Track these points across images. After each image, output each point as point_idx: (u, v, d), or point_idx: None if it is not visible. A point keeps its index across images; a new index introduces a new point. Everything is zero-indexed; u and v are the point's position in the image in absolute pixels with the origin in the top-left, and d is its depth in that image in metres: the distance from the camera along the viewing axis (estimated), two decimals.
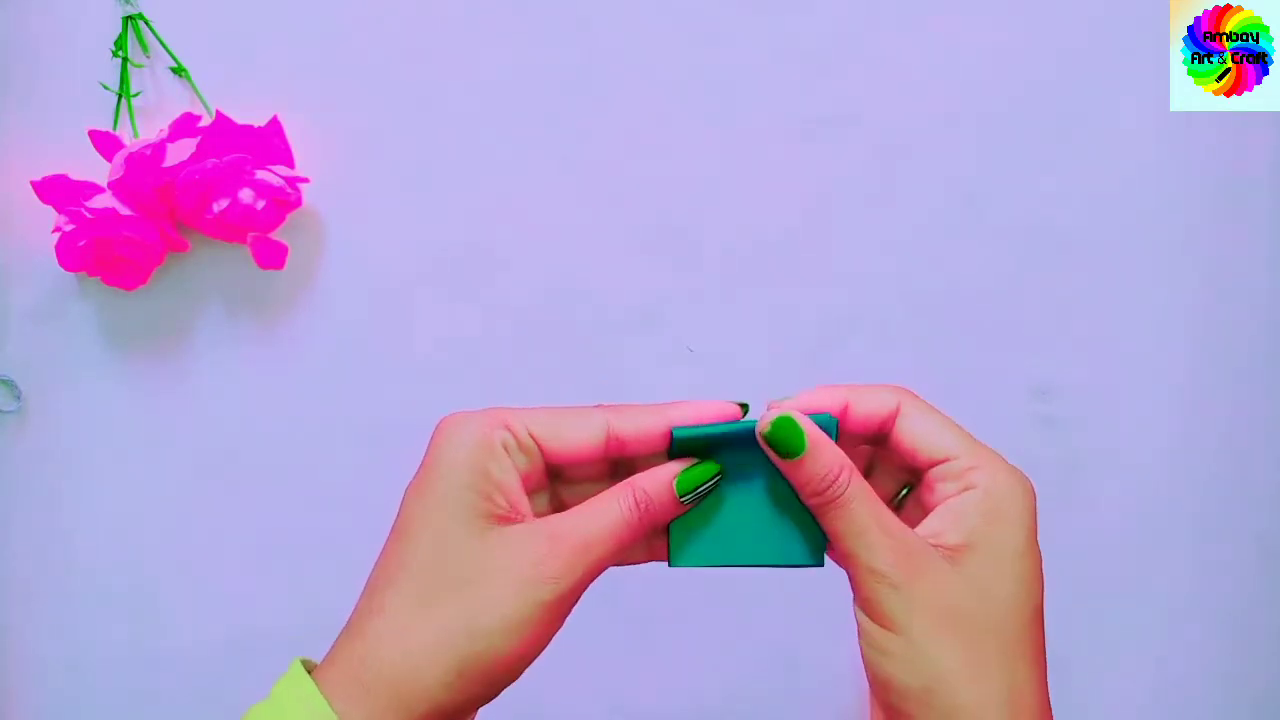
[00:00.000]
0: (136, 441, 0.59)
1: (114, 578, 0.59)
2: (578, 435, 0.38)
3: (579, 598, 0.37)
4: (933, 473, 0.38)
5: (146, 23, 0.58)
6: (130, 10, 0.57)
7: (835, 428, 0.39)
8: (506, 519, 0.37)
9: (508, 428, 0.38)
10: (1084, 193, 0.59)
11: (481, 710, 0.38)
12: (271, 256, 0.58)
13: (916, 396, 0.40)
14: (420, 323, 0.59)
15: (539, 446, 0.38)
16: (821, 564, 0.40)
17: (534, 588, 0.36)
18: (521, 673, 0.37)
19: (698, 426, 0.39)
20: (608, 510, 0.37)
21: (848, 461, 0.37)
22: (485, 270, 0.59)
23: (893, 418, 0.40)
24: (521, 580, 0.36)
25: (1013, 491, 0.38)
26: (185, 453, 0.59)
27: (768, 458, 0.38)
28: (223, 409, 0.59)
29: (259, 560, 0.59)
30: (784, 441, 0.37)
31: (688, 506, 0.39)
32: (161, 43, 0.58)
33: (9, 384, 0.59)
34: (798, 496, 0.38)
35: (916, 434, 0.39)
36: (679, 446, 0.39)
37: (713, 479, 0.39)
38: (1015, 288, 0.59)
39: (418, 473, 0.38)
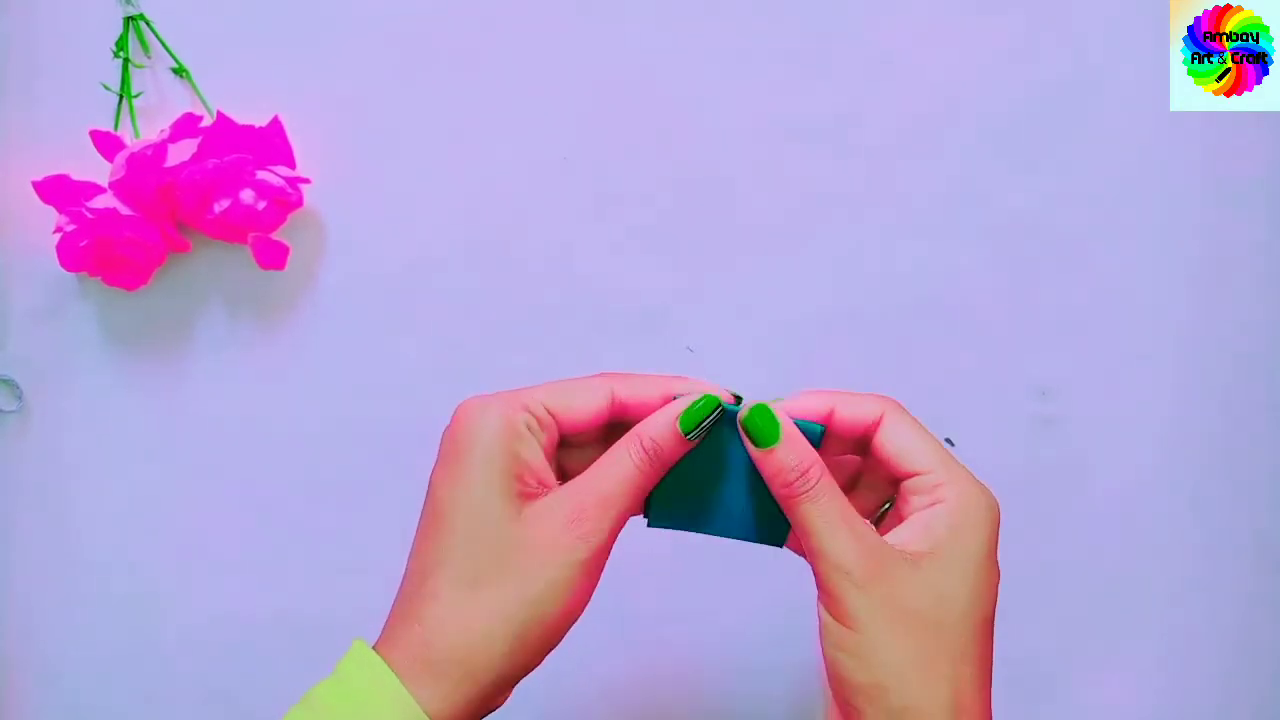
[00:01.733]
0: (137, 441, 0.59)
1: (115, 577, 0.59)
2: (586, 405, 0.41)
3: (610, 550, 0.40)
4: (906, 484, 0.40)
5: (148, 23, 0.58)
6: (131, 11, 0.57)
7: (820, 437, 0.41)
8: (535, 495, 0.39)
9: (527, 409, 0.40)
10: (1084, 193, 0.59)
11: None
12: (272, 257, 0.58)
13: (901, 408, 0.42)
14: (421, 323, 0.59)
15: (555, 420, 0.40)
16: (781, 545, 0.43)
17: (571, 550, 0.38)
18: (569, 629, 0.39)
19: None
20: (621, 463, 0.40)
21: (819, 459, 0.40)
22: (485, 270, 0.59)
23: (875, 426, 0.41)
24: (558, 546, 0.38)
25: (978, 507, 0.39)
26: (186, 453, 0.59)
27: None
28: (223, 409, 0.59)
29: (259, 560, 0.59)
30: (759, 429, 0.40)
31: (694, 443, 0.41)
32: (162, 43, 0.58)
33: (9, 384, 0.59)
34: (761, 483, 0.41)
35: (896, 445, 0.41)
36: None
37: (715, 412, 0.40)
38: (1015, 288, 0.59)
39: (443, 459, 0.40)
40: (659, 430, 0.40)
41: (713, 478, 0.42)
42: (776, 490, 0.40)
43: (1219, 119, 0.58)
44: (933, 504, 0.39)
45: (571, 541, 0.38)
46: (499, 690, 0.39)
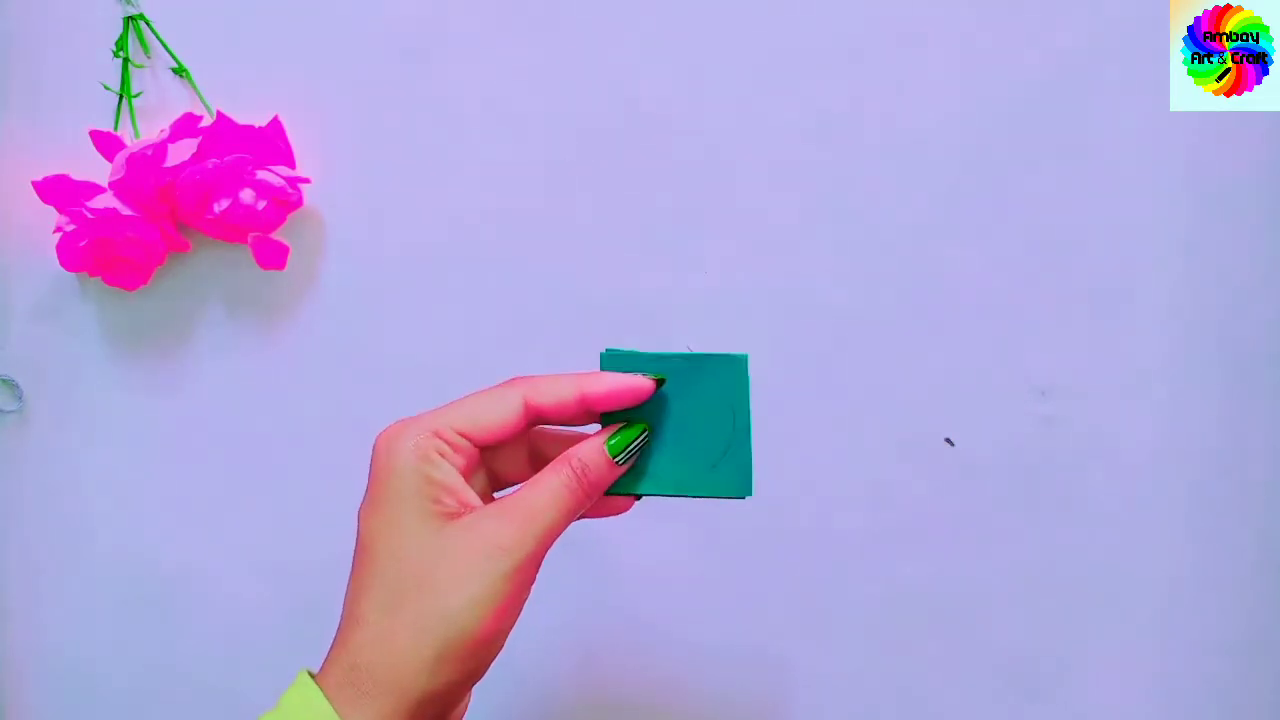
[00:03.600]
0: (137, 441, 0.59)
1: (115, 577, 0.59)
2: (499, 417, 0.41)
3: (539, 565, 0.40)
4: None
5: (147, 23, 0.58)
6: (131, 11, 0.57)
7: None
8: (457, 514, 0.40)
9: (437, 434, 0.41)
10: (1084, 193, 0.59)
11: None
12: (272, 257, 0.58)
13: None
14: (421, 322, 0.59)
15: (469, 439, 0.41)
16: (749, 495, 0.43)
17: (492, 561, 0.39)
18: (501, 646, 0.40)
19: (628, 354, 0.43)
20: (551, 482, 0.41)
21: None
22: (485, 270, 0.59)
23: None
24: (479, 556, 0.39)
25: None
26: (186, 452, 0.59)
27: (699, 396, 0.43)
28: (224, 409, 0.59)
29: (260, 559, 0.59)
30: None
31: (624, 468, 0.42)
32: (162, 43, 0.58)
33: (10, 384, 0.59)
34: (725, 433, 0.43)
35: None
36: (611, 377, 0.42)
37: (640, 437, 0.42)
38: (1015, 287, 0.59)
39: (367, 491, 0.41)
40: (590, 454, 0.41)
41: (673, 440, 0.43)
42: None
43: (1219, 119, 0.58)
44: None
45: (493, 551, 0.39)
46: (434, 708, 0.39)
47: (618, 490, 0.43)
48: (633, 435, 0.42)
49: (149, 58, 0.58)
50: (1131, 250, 0.59)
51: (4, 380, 0.59)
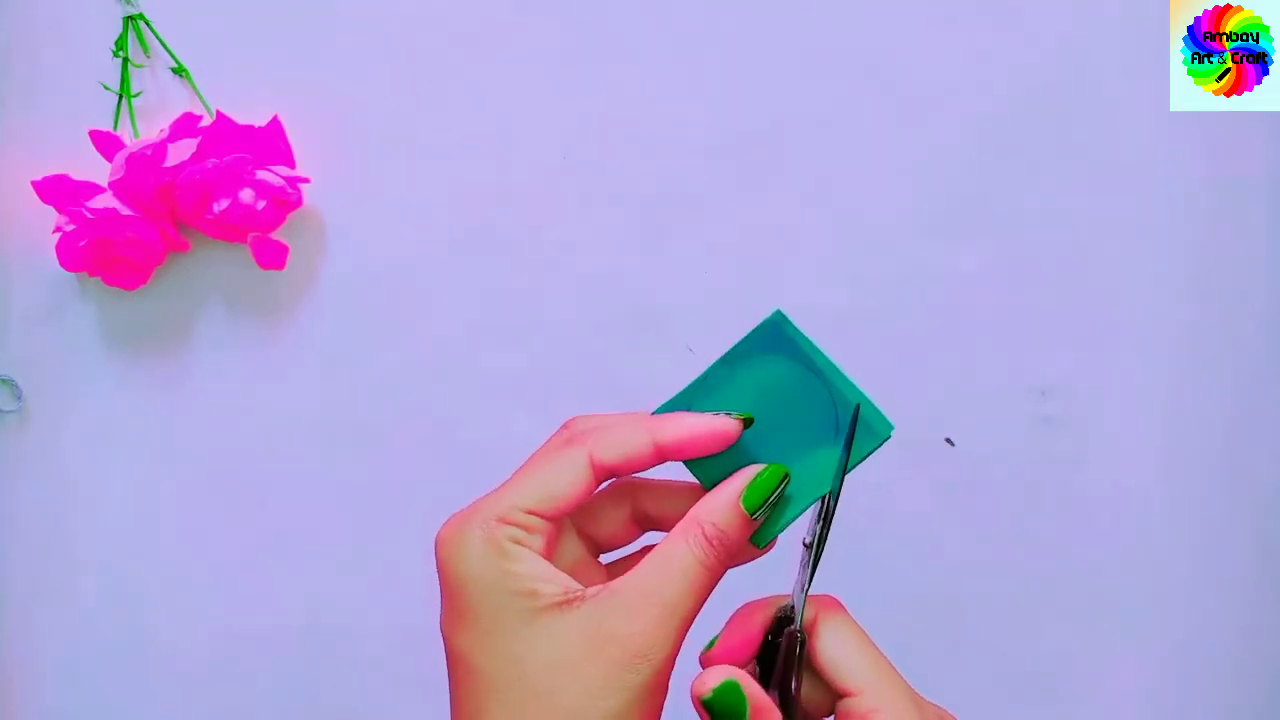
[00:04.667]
0: (137, 441, 0.59)
1: (114, 577, 0.59)
2: (566, 487, 0.35)
3: (674, 663, 0.34)
4: (841, 704, 0.36)
5: (147, 23, 0.58)
6: (131, 10, 0.57)
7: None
8: (565, 603, 0.34)
9: (504, 521, 0.34)
10: (1084, 193, 0.59)
11: None
12: (272, 256, 0.58)
13: (838, 611, 0.38)
14: (421, 322, 0.59)
15: (539, 516, 0.35)
16: (892, 430, 0.37)
17: (626, 671, 0.33)
18: None
19: (678, 399, 0.37)
20: (680, 559, 0.34)
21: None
22: (485, 270, 0.59)
23: (809, 629, 0.37)
24: (611, 666, 0.33)
25: None
26: (186, 452, 0.59)
27: (767, 382, 0.37)
28: (223, 409, 0.59)
29: (259, 559, 0.59)
30: (728, 710, 0.35)
31: (761, 521, 0.36)
32: (162, 43, 0.58)
33: (9, 384, 0.59)
34: (819, 396, 0.37)
35: (828, 657, 0.36)
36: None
37: (781, 483, 0.36)
38: (1015, 288, 0.59)
39: (445, 602, 0.35)
40: (722, 515, 0.35)
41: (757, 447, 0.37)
42: None
43: (1219, 119, 0.58)
44: None
45: (626, 660, 0.33)
46: None
47: (759, 539, 0.37)
48: (771, 484, 0.36)
49: (149, 57, 0.58)
50: (1131, 250, 0.59)
51: (4, 380, 0.59)
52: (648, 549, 0.39)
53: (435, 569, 0.35)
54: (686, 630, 0.34)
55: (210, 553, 0.59)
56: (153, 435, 0.59)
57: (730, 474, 0.37)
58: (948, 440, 0.59)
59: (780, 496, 0.36)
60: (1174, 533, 0.59)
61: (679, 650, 0.34)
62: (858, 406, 0.37)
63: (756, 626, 0.38)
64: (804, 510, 0.37)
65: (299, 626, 0.59)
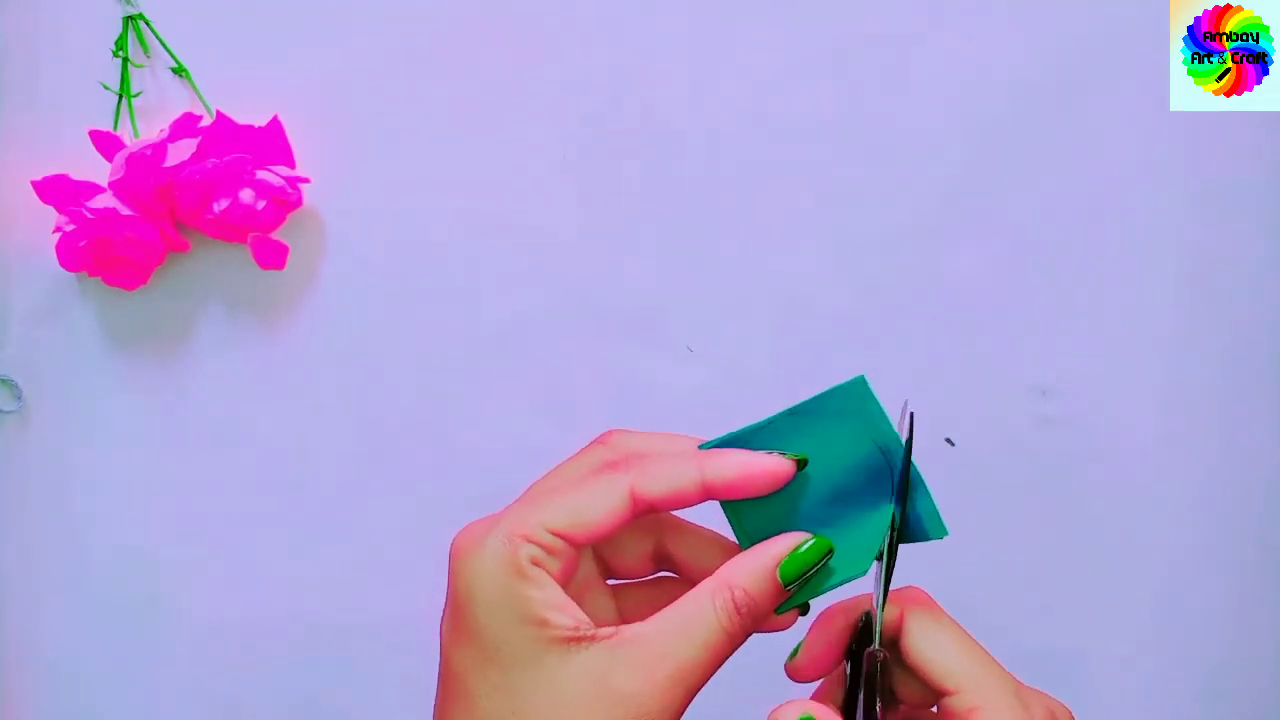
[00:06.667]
0: (137, 441, 0.59)
1: (115, 577, 0.59)
2: (601, 515, 0.33)
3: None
4: (942, 702, 0.35)
5: (147, 23, 0.58)
6: (131, 10, 0.57)
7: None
8: (572, 639, 0.32)
9: (528, 539, 0.32)
10: (1083, 193, 0.59)
11: None
12: (272, 257, 0.58)
13: (926, 604, 0.36)
14: (421, 323, 0.59)
15: (565, 539, 0.33)
16: (945, 534, 0.36)
17: None
18: None
19: (728, 437, 0.34)
20: (701, 619, 0.32)
21: None
22: (485, 270, 0.59)
23: (898, 629, 0.36)
24: None
25: None
26: (186, 453, 0.59)
27: (830, 447, 0.35)
28: (223, 409, 0.59)
29: (259, 559, 0.59)
30: None
31: (793, 593, 0.34)
32: (162, 43, 0.58)
33: (9, 384, 0.59)
34: (879, 476, 0.35)
35: (921, 654, 0.35)
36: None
37: (823, 559, 0.34)
38: (1015, 288, 0.59)
39: (449, 612, 0.34)
40: (754, 582, 0.33)
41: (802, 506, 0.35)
42: None
43: (1219, 119, 0.58)
44: None
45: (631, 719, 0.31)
46: None
47: (786, 607, 0.35)
48: (813, 559, 0.33)
49: (149, 58, 0.58)
50: (1131, 250, 0.59)
51: (3, 380, 0.59)
52: (661, 580, 0.38)
53: (445, 573, 0.34)
54: (694, 696, 0.32)
55: (211, 552, 0.59)
56: (153, 435, 0.59)
57: (765, 525, 0.35)
58: (948, 440, 0.59)
59: (819, 572, 0.34)
60: (1174, 532, 0.59)
61: (683, 715, 0.32)
62: (912, 487, 0.35)
63: (840, 633, 0.36)
64: (835, 587, 0.35)
65: (300, 626, 0.59)
